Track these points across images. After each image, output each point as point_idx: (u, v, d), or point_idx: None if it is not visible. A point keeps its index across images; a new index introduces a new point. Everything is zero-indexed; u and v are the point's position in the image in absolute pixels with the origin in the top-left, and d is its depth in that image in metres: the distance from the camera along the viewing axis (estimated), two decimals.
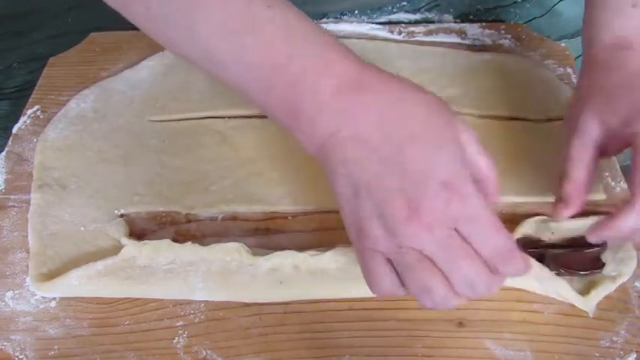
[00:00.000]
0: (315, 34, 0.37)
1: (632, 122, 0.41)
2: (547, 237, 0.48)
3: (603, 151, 0.44)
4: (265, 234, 0.50)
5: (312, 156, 0.37)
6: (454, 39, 0.65)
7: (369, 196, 0.35)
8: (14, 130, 0.57)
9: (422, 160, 0.34)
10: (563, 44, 0.65)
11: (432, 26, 0.66)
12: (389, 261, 0.36)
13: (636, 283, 0.46)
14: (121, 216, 0.50)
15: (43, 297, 0.46)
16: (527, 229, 0.48)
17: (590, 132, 0.44)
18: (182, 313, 0.45)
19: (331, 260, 0.45)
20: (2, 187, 0.53)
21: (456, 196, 0.34)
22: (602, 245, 0.46)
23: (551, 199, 0.46)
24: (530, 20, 0.69)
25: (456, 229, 0.34)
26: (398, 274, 0.36)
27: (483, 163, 0.37)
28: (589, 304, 0.44)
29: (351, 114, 0.35)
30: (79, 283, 0.45)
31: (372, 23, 0.67)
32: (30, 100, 0.60)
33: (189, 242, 0.46)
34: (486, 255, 0.35)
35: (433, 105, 0.36)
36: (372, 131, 0.35)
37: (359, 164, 0.35)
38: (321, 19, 0.67)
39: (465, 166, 0.36)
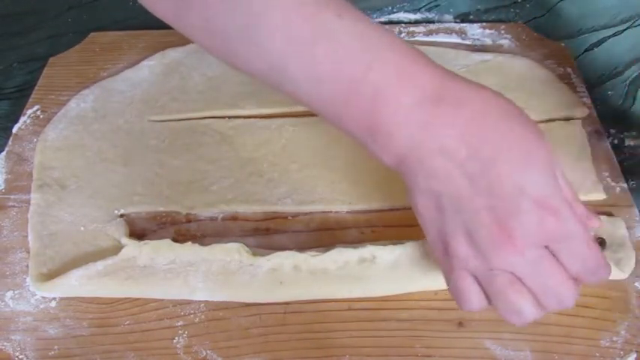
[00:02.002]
0: (392, 43, 0.34)
1: None
2: None
3: None
4: (265, 234, 0.50)
5: (388, 166, 0.36)
6: (454, 39, 0.65)
7: (456, 213, 0.34)
8: (14, 130, 0.57)
9: (512, 178, 0.33)
10: (563, 44, 0.65)
11: (432, 26, 0.66)
12: (476, 278, 0.35)
13: (636, 284, 0.46)
14: (121, 216, 0.50)
15: (43, 297, 0.46)
16: None
17: None
18: (182, 313, 0.45)
19: (331, 260, 0.45)
20: (2, 187, 0.53)
21: (550, 214, 0.33)
22: (601, 245, 0.46)
23: None
24: (530, 20, 0.69)
25: (548, 247, 0.34)
26: (484, 290, 0.35)
27: (562, 182, 0.36)
28: None
29: (434, 127, 0.33)
30: (79, 283, 0.45)
31: None
32: (30, 100, 0.60)
33: (189, 242, 0.46)
34: (575, 271, 0.34)
35: (517, 117, 0.35)
36: (457, 145, 0.33)
37: (444, 179, 0.34)
38: None
39: (555, 178, 0.34)
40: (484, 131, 0.33)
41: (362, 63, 0.33)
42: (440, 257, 0.37)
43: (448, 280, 0.37)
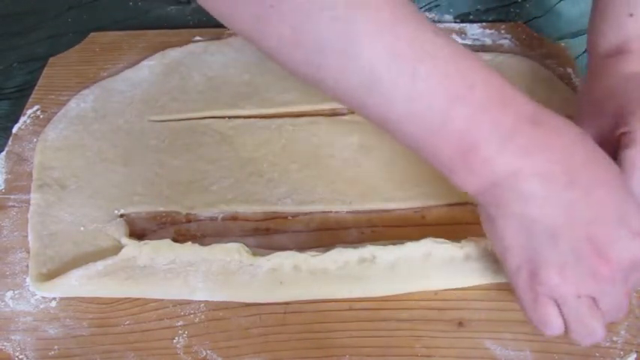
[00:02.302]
0: (485, 65, 0.34)
1: (620, 124, 0.40)
2: None
3: None
4: (265, 234, 0.50)
5: (473, 195, 0.36)
6: (454, 39, 0.65)
7: (550, 241, 0.34)
8: (14, 130, 0.57)
9: (613, 206, 0.33)
10: (563, 44, 0.65)
11: None
12: (557, 305, 0.36)
13: None
14: (121, 216, 0.50)
15: (43, 297, 0.46)
16: None
17: None
18: (182, 313, 0.45)
19: (331, 260, 0.45)
20: (2, 187, 0.53)
21: None
22: None
23: None
24: (530, 20, 0.69)
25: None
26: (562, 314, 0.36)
27: None
28: None
29: (533, 151, 0.33)
30: (79, 283, 0.45)
31: None
32: (30, 100, 0.60)
33: (189, 242, 0.46)
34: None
35: (592, 145, 0.35)
36: (556, 171, 0.33)
37: (542, 205, 0.33)
38: None
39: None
40: (582, 158, 0.34)
41: (463, 81, 0.33)
42: (522, 286, 0.36)
43: (531, 308, 0.37)
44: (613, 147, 0.40)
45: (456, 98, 0.33)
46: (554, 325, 0.37)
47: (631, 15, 0.45)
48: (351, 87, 0.34)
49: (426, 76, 0.32)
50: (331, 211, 0.51)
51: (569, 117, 0.56)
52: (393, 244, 0.46)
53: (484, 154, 0.33)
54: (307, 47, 0.33)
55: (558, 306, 0.36)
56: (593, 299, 0.35)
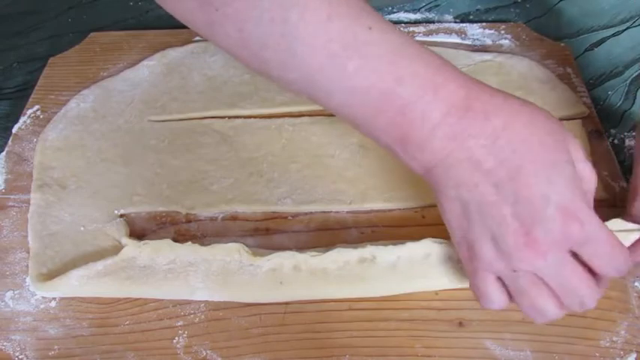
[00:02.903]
0: (420, 55, 0.35)
1: None
2: None
3: None
4: (265, 234, 0.50)
5: (420, 175, 0.38)
6: (454, 39, 0.65)
7: (482, 219, 0.35)
8: (14, 130, 0.57)
9: (537, 186, 0.34)
10: (563, 44, 0.65)
11: (432, 26, 0.66)
12: (499, 279, 0.37)
13: (636, 284, 0.46)
14: (121, 216, 0.50)
15: (43, 297, 0.46)
16: None
17: None
18: (182, 313, 0.45)
19: (331, 260, 0.45)
20: (2, 187, 0.53)
21: (573, 220, 0.34)
22: None
23: None
24: (530, 20, 0.69)
25: (572, 250, 0.35)
26: (507, 289, 0.37)
27: (587, 173, 0.38)
28: None
29: (462, 139, 0.35)
30: (79, 283, 0.45)
31: None
32: (30, 100, 0.60)
33: (189, 242, 0.46)
34: (604, 272, 0.36)
35: (543, 125, 0.36)
36: (485, 156, 0.34)
37: (472, 188, 0.35)
38: None
39: (579, 185, 0.35)
40: (511, 141, 0.34)
41: (391, 76, 0.34)
42: (464, 259, 0.38)
43: (471, 281, 0.39)
44: None
45: (386, 92, 0.34)
46: (494, 299, 0.37)
47: None
48: (293, 81, 0.37)
49: (355, 73, 0.34)
50: (331, 211, 0.51)
51: (569, 117, 0.57)
52: (393, 244, 0.46)
53: (417, 142, 0.35)
54: (252, 46, 0.36)
55: (503, 281, 0.37)
56: (538, 276, 0.36)
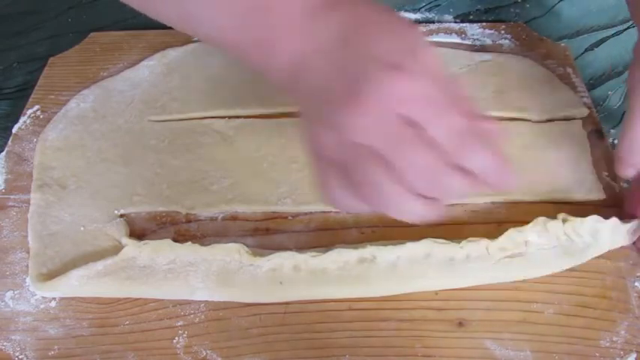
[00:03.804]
0: None
1: None
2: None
3: None
4: (265, 234, 0.50)
5: (283, 88, 0.37)
6: (454, 39, 0.65)
7: (321, 103, 0.33)
8: (14, 130, 0.57)
9: (369, 49, 0.32)
10: (563, 44, 0.65)
11: (432, 26, 0.66)
12: (341, 168, 0.33)
13: (636, 283, 0.46)
14: (121, 216, 0.50)
15: (43, 297, 0.46)
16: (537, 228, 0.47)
17: None
18: (182, 313, 0.45)
19: (331, 260, 0.45)
20: (2, 187, 0.53)
21: (402, 75, 0.31)
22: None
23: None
24: (530, 20, 0.69)
25: (409, 117, 0.31)
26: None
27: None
28: None
29: (315, 33, 0.34)
30: (79, 283, 0.45)
31: None
32: (30, 100, 0.60)
33: (189, 242, 0.46)
34: (444, 140, 0.31)
35: (401, 28, 0.34)
36: (329, 42, 0.34)
37: (315, 72, 0.34)
38: None
39: (419, 53, 0.33)
40: (362, 35, 0.33)
41: None
42: (309, 157, 0.35)
43: (314, 177, 0.36)
44: None
45: (251, 3, 0.35)
46: (335, 191, 0.34)
47: None
48: (173, 17, 0.40)
49: None
50: (331, 211, 0.51)
51: (569, 117, 0.57)
52: (393, 244, 0.46)
53: (280, 43, 0.35)
54: None
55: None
56: (376, 153, 0.32)
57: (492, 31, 0.66)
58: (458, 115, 0.32)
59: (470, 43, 0.65)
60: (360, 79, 0.31)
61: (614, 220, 0.47)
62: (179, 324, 0.44)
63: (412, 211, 0.33)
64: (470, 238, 0.46)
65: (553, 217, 0.47)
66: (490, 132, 0.33)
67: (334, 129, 0.32)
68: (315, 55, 0.34)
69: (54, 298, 0.46)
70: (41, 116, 0.58)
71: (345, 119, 0.31)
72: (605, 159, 0.54)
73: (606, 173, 0.53)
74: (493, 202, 0.51)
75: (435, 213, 0.34)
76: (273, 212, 0.51)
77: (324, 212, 0.51)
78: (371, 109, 0.31)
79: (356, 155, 0.32)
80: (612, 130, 0.58)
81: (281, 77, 0.36)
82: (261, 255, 0.46)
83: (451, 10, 0.69)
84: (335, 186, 0.34)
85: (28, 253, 0.48)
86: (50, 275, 0.46)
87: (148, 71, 0.62)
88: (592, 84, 0.63)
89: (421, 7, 0.69)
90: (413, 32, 0.34)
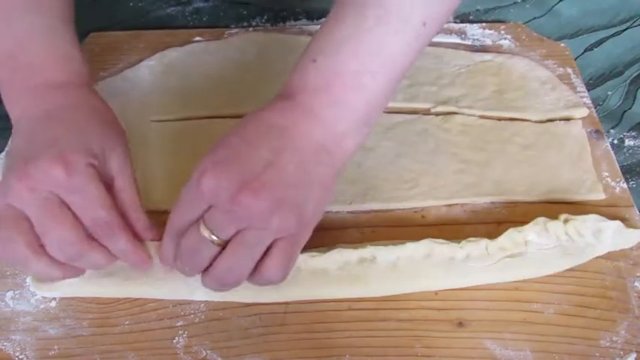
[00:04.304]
0: (58, 41, 0.44)
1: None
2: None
3: None
4: None
5: None
6: (454, 39, 0.65)
7: (8, 164, 0.40)
8: None
9: (57, 134, 0.40)
10: (563, 44, 0.65)
11: None
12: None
13: (636, 283, 0.46)
14: None
15: (43, 297, 0.46)
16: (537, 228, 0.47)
17: None
18: (182, 313, 0.45)
19: (331, 260, 0.45)
20: None
21: (60, 165, 0.37)
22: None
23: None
24: (530, 20, 0.69)
25: (62, 199, 0.38)
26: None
27: (128, 194, 0.42)
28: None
29: (34, 105, 0.42)
30: (79, 283, 0.45)
31: None
32: None
33: None
34: (88, 226, 0.39)
35: (97, 121, 0.43)
36: (39, 115, 0.41)
37: (19, 136, 0.41)
38: (319, 19, 0.67)
39: (92, 149, 0.40)
40: (61, 115, 0.42)
41: (21, 45, 0.42)
42: None
43: None
44: None
45: (10, 55, 0.42)
46: None
47: (314, 60, 0.40)
48: None
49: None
50: (331, 211, 0.51)
51: (569, 117, 0.57)
52: (393, 244, 0.46)
53: (14, 100, 0.43)
54: None
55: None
56: (23, 213, 0.38)
57: (492, 32, 0.66)
58: (99, 208, 0.39)
59: (470, 43, 0.65)
60: (32, 156, 0.38)
61: (617, 222, 0.47)
62: (179, 324, 0.44)
63: (41, 272, 0.39)
64: (470, 238, 0.46)
65: (553, 217, 0.47)
66: (121, 225, 0.40)
67: (2, 188, 0.38)
68: (25, 123, 0.41)
69: (54, 298, 0.46)
70: None
71: (10, 184, 0.38)
72: (605, 159, 0.54)
73: (606, 173, 0.53)
74: (493, 202, 0.51)
75: (71, 275, 0.42)
76: None
77: (325, 212, 0.51)
78: (28, 183, 0.37)
79: (4, 215, 0.38)
80: (612, 130, 0.58)
81: (13, 120, 0.43)
82: None
83: None
84: None
85: None
86: None
87: (148, 71, 0.62)
88: (592, 84, 0.63)
89: None
90: (108, 131, 0.43)
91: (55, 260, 0.39)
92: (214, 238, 0.37)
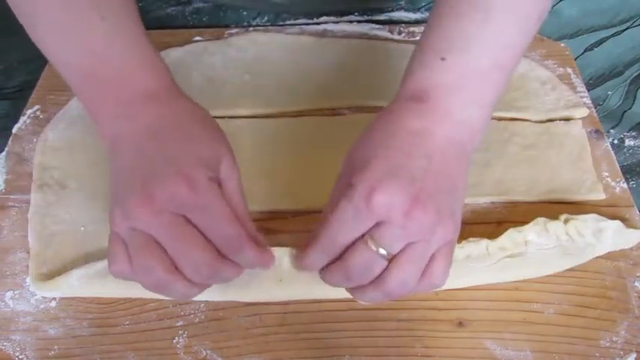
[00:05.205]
0: (135, 48, 0.42)
1: (354, 174, 0.38)
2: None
3: None
4: (265, 234, 0.50)
5: (105, 147, 0.42)
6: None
7: (121, 185, 0.38)
8: (14, 130, 0.57)
9: (170, 150, 0.38)
10: (563, 44, 0.65)
11: None
12: (127, 246, 0.38)
13: (636, 283, 0.46)
14: None
15: (43, 297, 0.46)
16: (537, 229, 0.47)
17: (342, 177, 0.41)
18: (182, 313, 0.45)
19: None
20: (2, 187, 0.53)
21: (185, 184, 0.36)
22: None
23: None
24: None
25: (187, 218, 0.36)
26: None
27: (237, 200, 0.40)
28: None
29: (131, 118, 0.40)
30: (79, 284, 0.45)
31: (372, 23, 0.67)
32: (30, 100, 0.60)
33: None
34: (216, 242, 0.37)
35: (202, 119, 0.42)
36: (141, 130, 0.39)
37: (123, 155, 0.39)
38: (319, 17, 0.67)
39: (207, 160, 0.39)
40: (172, 124, 0.40)
41: (101, 58, 0.40)
42: (110, 235, 0.39)
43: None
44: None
45: (91, 70, 0.41)
46: (117, 260, 0.38)
47: (443, 59, 0.40)
48: (36, 42, 0.42)
49: (73, 50, 0.41)
50: None
51: (569, 117, 0.57)
52: None
53: (105, 116, 0.41)
54: (18, 10, 0.43)
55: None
56: (154, 239, 0.37)
57: None
58: (227, 224, 0.37)
59: None
60: (151, 176, 0.37)
61: (617, 222, 0.47)
62: (179, 324, 0.44)
63: (184, 294, 0.38)
64: (470, 238, 0.46)
65: (553, 217, 0.47)
66: (245, 237, 0.39)
67: (123, 213, 0.37)
68: (126, 140, 0.40)
69: (54, 298, 0.46)
70: (41, 116, 0.58)
71: (132, 208, 0.36)
72: (605, 159, 0.54)
73: (606, 173, 0.53)
74: (493, 202, 0.51)
75: (203, 290, 0.40)
76: (274, 212, 0.51)
77: None
78: (153, 206, 0.36)
79: (137, 240, 0.37)
80: (612, 130, 0.58)
81: (104, 143, 0.42)
82: None
83: None
84: (119, 259, 0.38)
85: (28, 253, 0.48)
86: (50, 275, 0.46)
87: None
88: (592, 84, 0.63)
89: (421, 7, 0.68)
90: (217, 143, 0.41)
91: (191, 281, 0.37)
92: (384, 252, 0.36)
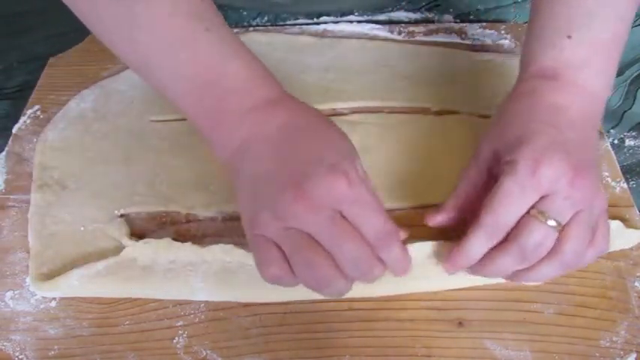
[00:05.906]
0: (246, 58, 0.41)
1: (510, 151, 0.39)
2: None
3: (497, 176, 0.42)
4: None
5: (223, 163, 0.41)
6: (454, 39, 0.65)
7: (265, 188, 0.37)
8: (14, 130, 0.57)
9: (313, 149, 0.38)
10: None
11: (432, 26, 0.66)
12: (279, 248, 0.37)
13: (636, 283, 0.46)
14: (121, 216, 0.50)
15: (43, 297, 0.46)
16: None
17: (484, 156, 0.43)
18: (182, 313, 0.45)
19: None
20: (2, 187, 0.53)
21: (342, 178, 0.36)
22: None
23: None
24: None
25: (342, 213, 0.36)
26: (288, 261, 0.37)
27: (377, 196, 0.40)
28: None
29: (261, 123, 0.40)
30: (79, 283, 0.45)
31: (372, 23, 0.67)
32: (30, 100, 0.60)
33: (189, 242, 0.46)
34: (370, 237, 0.37)
35: (336, 134, 0.41)
36: (274, 133, 0.39)
37: (260, 159, 0.39)
38: (319, 17, 0.67)
39: (355, 156, 0.39)
40: (299, 125, 0.40)
41: (217, 69, 0.40)
42: (247, 233, 0.39)
43: (255, 256, 0.39)
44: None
45: (208, 83, 0.40)
46: (271, 266, 0.37)
47: (569, 37, 0.43)
48: (135, 65, 0.43)
49: (185, 64, 0.40)
50: None
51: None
52: None
53: (228, 126, 0.40)
54: (103, 25, 0.42)
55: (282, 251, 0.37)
56: (312, 237, 0.36)
57: (492, 31, 0.66)
58: (381, 218, 0.38)
59: (470, 43, 0.65)
60: (303, 175, 0.36)
61: (617, 222, 0.47)
62: (179, 324, 0.44)
63: (333, 284, 0.37)
64: None
65: None
66: (397, 233, 0.39)
67: (276, 214, 0.36)
68: (260, 144, 0.39)
69: (54, 298, 0.46)
70: (41, 116, 0.58)
71: (287, 207, 0.36)
72: (605, 159, 0.54)
73: (606, 173, 0.53)
74: None
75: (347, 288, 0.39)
76: None
77: None
78: (314, 207, 0.36)
79: (294, 239, 0.36)
80: (612, 130, 0.58)
81: (224, 154, 0.41)
82: None
83: (451, 10, 0.69)
84: (274, 262, 0.37)
85: (28, 253, 0.48)
86: (50, 275, 0.46)
87: None
88: None
89: (421, 7, 0.69)
90: (346, 139, 0.41)
91: (349, 277, 0.37)
92: (554, 224, 0.37)
